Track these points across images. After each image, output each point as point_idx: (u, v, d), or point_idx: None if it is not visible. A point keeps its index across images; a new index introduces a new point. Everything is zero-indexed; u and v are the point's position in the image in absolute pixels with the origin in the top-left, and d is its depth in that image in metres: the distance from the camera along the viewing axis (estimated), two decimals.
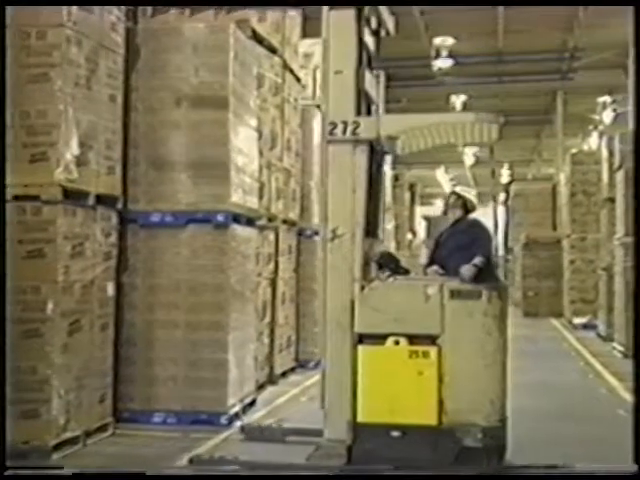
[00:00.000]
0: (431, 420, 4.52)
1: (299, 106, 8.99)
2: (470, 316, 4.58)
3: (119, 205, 5.73)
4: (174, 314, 5.91)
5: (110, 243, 5.62)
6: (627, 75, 14.01)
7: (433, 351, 4.55)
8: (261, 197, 7.22)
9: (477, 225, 5.86)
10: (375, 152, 4.84)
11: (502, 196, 25.96)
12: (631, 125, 11.58)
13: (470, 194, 5.96)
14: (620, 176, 10.71)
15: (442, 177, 30.89)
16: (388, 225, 15.81)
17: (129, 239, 5.97)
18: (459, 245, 5.43)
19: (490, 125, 4.71)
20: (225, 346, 5.90)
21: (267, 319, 7.78)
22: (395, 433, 4.53)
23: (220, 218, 5.90)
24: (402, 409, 4.54)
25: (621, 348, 10.51)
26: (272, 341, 7.93)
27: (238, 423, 5.92)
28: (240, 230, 6.22)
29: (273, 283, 8.00)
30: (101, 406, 5.45)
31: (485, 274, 4.97)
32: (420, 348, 4.57)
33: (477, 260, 5.00)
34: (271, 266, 7.93)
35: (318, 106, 9.98)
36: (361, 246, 4.68)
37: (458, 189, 6.07)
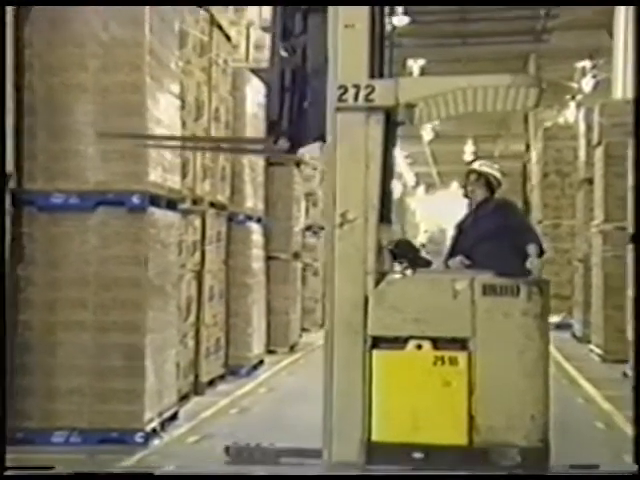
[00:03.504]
0: (460, 439, 4.47)
1: (229, 69, 8.92)
2: (506, 316, 4.51)
3: (12, 184, 5.59)
4: (80, 314, 5.83)
5: None
6: (611, 36, 14.23)
7: (462, 357, 4.50)
8: (184, 176, 7.15)
9: (506, 206, 5.82)
10: (390, 122, 4.77)
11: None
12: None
13: (493, 168, 5.88)
14: (599, 153, 10.91)
15: (396, 154, 31.05)
16: None
17: (25, 225, 5.84)
18: (486, 232, 5.40)
19: (528, 89, 4.63)
20: (141, 351, 5.84)
21: (192, 318, 7.74)
22: (417, 454, 4.48)
23: (135, 200, 5.83)
24: (425, 426, 4.49)
25: (599, 351, 10.73)
26: (197, 344, 7.89)
27: (155, 441, 5.88)
28: (159, 214, 6.16)
29: (199, 276, 7.96)
30: None
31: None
32: (447, 354, 4.51)
33: (533, 249, 4.95)
34: (196, 257, 7.88)
35: (252, 70, 9.93)
36: (375, 233, 4.61)
37: (477, 165, 5.98)
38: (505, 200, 5.90)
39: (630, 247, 8.50)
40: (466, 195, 5.83)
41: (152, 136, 5.93)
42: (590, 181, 11.82)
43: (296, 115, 4.90)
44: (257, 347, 9.58)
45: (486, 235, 5.45)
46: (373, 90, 4.59)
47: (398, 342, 4.57)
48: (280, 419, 6.87)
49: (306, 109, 4.90)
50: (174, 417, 6.49)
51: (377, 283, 4.58)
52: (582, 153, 12.71)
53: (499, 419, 4.48)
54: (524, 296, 4.52)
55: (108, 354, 5.80)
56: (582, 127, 12.76)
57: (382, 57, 4.86)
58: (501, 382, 4.50)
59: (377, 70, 4.76)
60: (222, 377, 8.62)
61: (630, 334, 6.48)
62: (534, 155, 17.73)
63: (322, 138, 4.80)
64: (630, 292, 8.45)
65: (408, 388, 4.53)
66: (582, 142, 12.71)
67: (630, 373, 8.36)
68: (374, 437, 4.51)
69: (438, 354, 4.52)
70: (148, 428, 5.85)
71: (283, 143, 4.97)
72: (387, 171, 4.81)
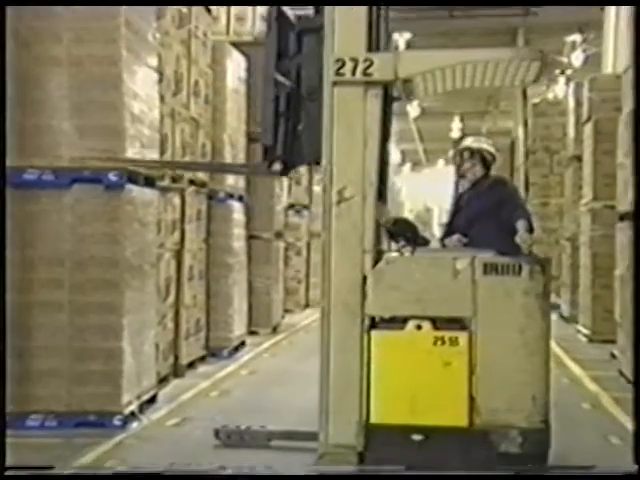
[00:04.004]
0: (460, 421, 4.49)
1: (209, 42, 8.86)
2: (508, 295, 4.53)
3: None
4: (56, 294, 5.81)
5: None
6: (602, 9, 14.21)
7: (463, 337, 4.51)
8: (163, 152, 7.13)
9: (501, 183, 5.84)
10: (387, 97, 4.76)
11: (450, 153, 26.17)
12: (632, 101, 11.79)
13: (487, 144, 5.87)
14: (588, 130, 10.92)
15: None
16: (317, 187, 15.81)
17: None
18: (482, 209, 5.41)
19: (530, 63, 4.63)
20: (119, 332, 5.84)
21: (171, 299, 7.73)
22: (416, 437, 4.50)
23: (112, 177, 5.81)
24: (425, 407, 4.51)
25: (586, 331, 10.81)
26: (177, 325, 7.88)
27: (134, 424, 5.88)
28: (137, 192, 6.14)
29: (178, 256, 7.94)
30: None
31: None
32: (447, 334, 4.53)
33: (523, 224, 5.00)
34: (176, 235, 7.86)
35: (233, 43, 9.87)
36: (373, 211, 4.63)
37: (470, 141, 5.99)
38: (501, 177, 5.92)
39: (619, 226, 8.53)
40: (460, 174, 5.82)
41: (155, 161, 5.91)
42: (579, 158, 11.85)
43: (291, 139, 4.92)
44: (238, 328, 9.58)
45: (483, 213, 5.47)
46: (372, 64, 4.58)
47: (397, 322, 4.60)
48: (262, 402, 6.89)
49: (301, 132, 4.92)
50: (153, 400, 6.49)
51: (376, 262, 4.61)
52: (571, 130, 12.72)
53: (500, 400, 4.50)
54: (526, 275, 4.55)
55: (85, 335, 5.79)
56: (571, 103, 12.76)
57: (379, 30, 4.85)
58: (502, 362, 4.53)
59: (374, 43, 4.75)
60: (202, 359, 8.62)
61: (630, 328, 6.51)
62: (522, 132, 17.73)
63: (316, 161, 4.82)
64: (618, 272, 8.50)
65: (407, 369, 4.56)
66: (571, 118, 12.72)
67: (617, 354, 8.44)
68: (372, 419, 4.54)
69: (438, 334, 4.54)
70: (126, 411, 5.85)
71: (276, 166, 5.01)
72: (384, 148, 4.82)
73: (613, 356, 8.73)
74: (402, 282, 4.59)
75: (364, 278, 4.59)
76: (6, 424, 4.42)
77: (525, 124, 19.44)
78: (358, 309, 4.57)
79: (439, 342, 4.54)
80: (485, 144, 5.86)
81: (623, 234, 8.24)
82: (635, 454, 4.29)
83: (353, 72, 4.59)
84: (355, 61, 4.59)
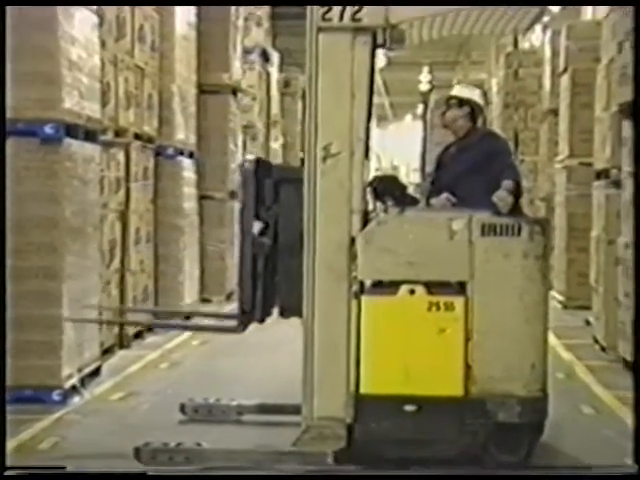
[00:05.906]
0: (456, 390, 4.54)
1: None
2: (507, 257, 4.56)
3: None
4: None
5: None
6: None
7: (458, 302, 4.55)
8: (105, 104, 7.07)
9: (492, 135, 5.80)
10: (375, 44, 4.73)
11: (419, 108, 26.19)
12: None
13: (474, 93, 5.81)
14: (565, 81, 10.96)
15: None
16: (275, 143, 15.75)
17: None
18: (471, 165, 5.39)
19: (526, 11, 4.62)
20: (58, 300, 5.83)
21: (115, 264, 7.70)
22: (409, 407, 4.54)
23: (49, 130, 5.78)
24: (418, 376, 4.55)
25: (561, 297, 10.93)
26: (122, 293, 7.87)
27: (75, 399, 5.87)
28: (77, 147, 6.10)
29: (123, 217, 7.90)
30: None
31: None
32: (442, 299, 4.56)
33: (507, 184, 4.97)
34: (120, 195, 7.81)
35: None
36: (361, 168, 4.62)
37: (457, 90, 5.92)
38: (491, 130, 5.88)
39: (596, 184, 8.59)
40: (445, 125, 5.79)
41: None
42: (555, 112, 11.89)
43: (270, 294, 4.94)
44: (189, 296, 9.57)
45: (473, 167, 5.43)
46: (360, 8, 4.55)
47: (389, 287, 4.62)
48: (215, 374, 6.89)
49: (279, 286, 4.93)
50: (96, 373, 6.48)
51: (365, 223, 4.61)
52: (547, 81, 12.76)
53: (497, 368, 4.56)
54: (526, 236, 4.58)
55: (21, 303, 5.71)
56: (548, 52, 12.77)
57: None
58: (500, 328, 4.57)
59: None
60: (150, 329, 8.59)
61: (630, 328, 6.57)
62: (495, 84, 17.73)
63: (295, 314, 4.80)
64: (594, 233, 8.57)
65: (400, 336, 4.59)
66: (547, 69, 12.75)
67: (592, 321, 8.55)
68: (362, 389, 4.57)
69: (433, 299, 4.58)
70: (66, 385, 5.84)
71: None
72: (370, 100, 4.79)
73: (588, 323, 8.83)
74: (394, 244, 4.61)
75: (352, 240, 4.59)
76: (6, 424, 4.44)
77: (515, 74, 19.51)
78: (344, 273, 4.59)
79: (433, 307, 4.58)
80: (473, 93, 5.80)
81: (600, 193, 8.30)
82: (635, 454, 4.36)
83: (341, 17, 4.55)
84: (343, 5, 4.55)
